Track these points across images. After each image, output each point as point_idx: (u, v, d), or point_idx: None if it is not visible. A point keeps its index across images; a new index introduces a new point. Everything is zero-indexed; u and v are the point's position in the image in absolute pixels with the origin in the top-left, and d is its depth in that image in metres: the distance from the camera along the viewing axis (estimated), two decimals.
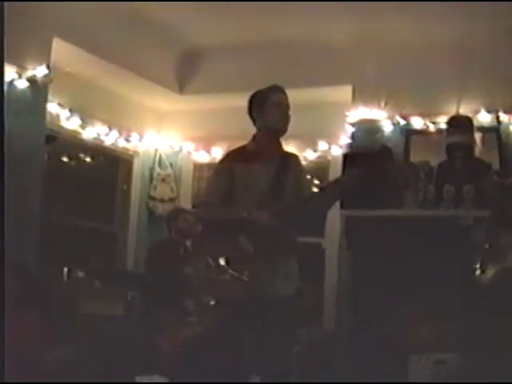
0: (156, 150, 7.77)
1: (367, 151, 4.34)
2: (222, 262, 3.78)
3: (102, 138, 7.09)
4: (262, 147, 4.00)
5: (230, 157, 4.12)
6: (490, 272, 5.35)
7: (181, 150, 7.88)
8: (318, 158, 7.14)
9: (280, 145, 4.08)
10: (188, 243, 6.70)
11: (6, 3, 3.43)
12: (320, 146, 7.13)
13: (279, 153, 4.07)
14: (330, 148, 7.12)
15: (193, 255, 4.03)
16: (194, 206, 7.54)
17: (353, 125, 6.78)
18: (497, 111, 6.27)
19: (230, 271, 3.75)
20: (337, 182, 3.91)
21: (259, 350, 3.75)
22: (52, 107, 6.33)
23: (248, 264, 3.75)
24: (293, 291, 3.89)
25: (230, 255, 3.78)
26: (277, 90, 4.05)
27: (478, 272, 5.44)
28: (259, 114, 4.01)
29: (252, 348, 3.75)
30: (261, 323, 3.73)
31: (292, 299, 3.87)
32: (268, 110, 3.98)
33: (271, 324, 3.73)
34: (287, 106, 4.04)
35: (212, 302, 5.72)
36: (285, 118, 4.02)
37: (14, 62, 5.58)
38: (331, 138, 7.04)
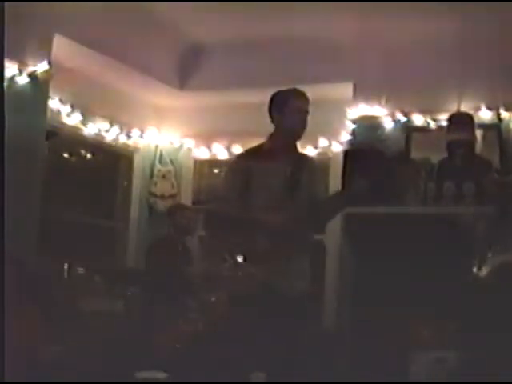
0: (157, 146, 7.77)
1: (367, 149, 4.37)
2: (239, 258, 3.81)
3: (103, 134, 7.09)
4: (279, 147, 4.02)
5: (246, 155, 4.15)
6: (491, 269, 5.35)
7: (181, 146, 7.88)
8: (319, 154, 7.13)
9: (296, 146, 4.12)
10: (187, 240, 6.72)
11: (5, 2, 3.42)
12: (320, 142, 7.13)
13: (295, 153, 4.10)
14: (330, 145, 7.12)
15: (210, 251, 4.06)
16: (193, 203, 7.56)
17: (353, 122, 6.79)
18: (497, 108, 6.28)
19: (247, 268, 3.77)
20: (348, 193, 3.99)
21: (270, 347, 3.76)
22: (53, 103, 6.33)
23: (263, 261, 3.77)
24: (305, 290, 3.93)
25: (246, 251, 3.80)
26: (300, 95, 4.08)
27: (478, 269, 5.44)
28: (279, 114, 4.03)
29: (262, 345, 3.75)
30: (275, 321, 3.74)
31: (304, 298, 3.91)
32: (289, 113, 4.00)
33: (285, 322, 3.74)
34: (307, 112, 4.07)
35: (213, 299, 5.76)
36: (304, 124, 4.06)
37: (15, 58, 5.58)
38: (332, 135, 7.05)
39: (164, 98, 7.55)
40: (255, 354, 3.74)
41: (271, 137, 4.09)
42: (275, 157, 3.99)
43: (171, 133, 7.83)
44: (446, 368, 5.11)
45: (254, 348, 3.75)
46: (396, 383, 5.18)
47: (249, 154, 4.15)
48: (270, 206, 3.84)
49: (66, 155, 7.10)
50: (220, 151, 7.66)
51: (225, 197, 4.02)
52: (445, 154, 6.18)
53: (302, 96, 4.08)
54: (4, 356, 1.55)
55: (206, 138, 7.70)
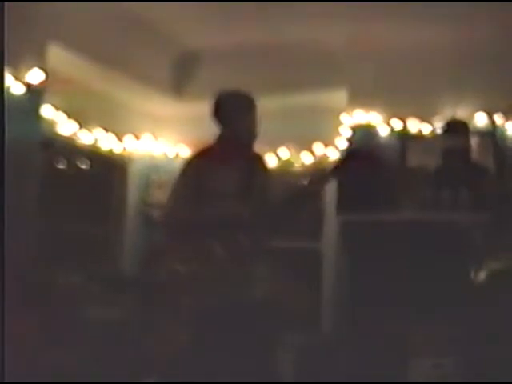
0: (152, 156, 7.76)
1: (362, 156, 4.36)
2: (193, 266, 3.72)
3: (98, 143, 7.08)
4: (229, 151, 3.93)
5: (195, 161, 4.01)
6: (488, 275, 5.35)
7: (177, 155, 7.86)
8: (315, 162, 7.14)
9: (247, 149, 4.03)
10: None
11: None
12: (316, 149, 7.13)
13: (246, 155, 4.01)
14: (326, 152, 7.12)
15: (165, 260, 3.92)
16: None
17: (349, 129, 6.79)
18: (493, 115, 6.28)
19: (202, 277, 3.70)
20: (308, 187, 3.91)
21: (234, 354, 3.70)
22: (48, 112, 6.31)
23: (220, 269, 3.70)
24: (265, 295, 3.85)
25: (201, 260, 3.72)
26: (248, 102, 3.99)
27: (475, 275, 5.44)
28: (228, 123, 3.97)
29: (227, 353, 3.69)
30: (234, 328, 3.68)
31: (265, 303, 3.84)
32: (240, 124, 3.95)
33: (245, 329, 3.69)
34: (256, 116, 3.98)
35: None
36: (256, 130, 3.98)
37: (9, 68, 5.57)
38: (327, 142, 7.05)
39: (159, 107, 7.55)
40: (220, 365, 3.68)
41: (219, 140, 4.01)
42: (225, 161, 3.88)
43: (166, 142, 7.82)
44: (443, 374, 5.10)
45: (216, 361, 3.68)
46: (396, 383, 5.18)
47: (198, 158, 4.01)
48: (228, 207, 3.78)
49: (61, 165, 7.08)
50: None
51: (176, 204, 3.91)
52: (440, 161, 6.19)
53: (248, 99, 4.00)
54: (4, 356, 1.54)
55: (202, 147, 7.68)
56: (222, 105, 4.01)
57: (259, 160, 4.08)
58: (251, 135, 3.97)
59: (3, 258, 2.26)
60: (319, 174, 3.90)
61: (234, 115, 3.96)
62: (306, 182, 3.97)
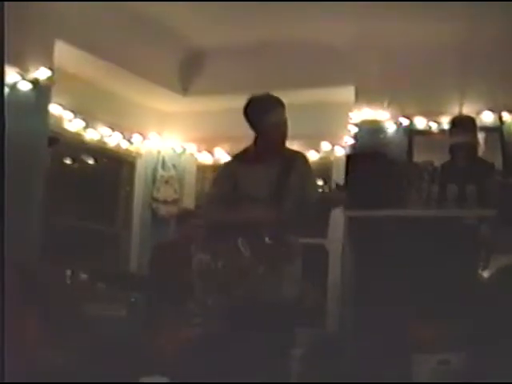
0: (159, 152, 7.77)
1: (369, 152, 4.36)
2: (221, 264, 3.78)
3: (105, 139, 7.10)
4: (263, 151, 4.00)
5: (232, 161, 4.15)
6: (494, 271, 5.34)
7: (184, 151, 7.88)
8: (321, 158, 7.14)
9: (281, 149, 4.06)
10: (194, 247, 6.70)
11: (7, 5, 3.42)
12: (323, 146, 7.14)
13: (282, 154, 4.04)
14: (332, 149, 7.12)
15: (194, 256, 4.00)
16: (197, 208, 7.53)
17: (356, 125, 6.79)
18: (500, 111, 6.28)
19: (230, 273, 3.75)
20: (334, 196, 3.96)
21: (258, 353, 3.73)
22: (55, 109, 6.33)
23: (246, 267, 3.74)
24: (294, 295, 3.89)
25: (229, 258, 3.77)
26: (276, 105, 4.00)
27: (481, 271, 5.43)
28: (258, 127, 3.99)
29: (251, 351, 3.72)
30: (259, 327, 3.71)
31: (292, 303, 3.87)
32: (268, 128, 3.95)
33: (270, 327, 3.71)
34: (286, 120, 4.01)
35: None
36: (285, 132, 4.01)
37: (16, 64, 5.59)
38: (334, 139, 7.05)
39: (166, 103, 7.56)
40: (245, 359, 3.71)
41: (256, 141, 4.05)
42: (260, 160, 3.97)
43: (173, 138, 7.83)
44: (449, 370, 5.10)
45: (241, 355, 3.72)
46: (396, 383, 5.17)
47: (235, 158, 4.13)
48: (259, 208, 3.82)
49: (68, 161, 7.10)
50: (222, 156, 7.65)
51: (210, 203, 4.00)
52: (447, 157, 6.18)
53: (279, 104, 4.01)
54: (4, 356, 1.55)
55: (209, 143, 7.70)
56: (249, 108, 4.04)
57: (297, 159, 4.11)
58: (280, 135, 4.00)
59: (3, 256, 2.27)
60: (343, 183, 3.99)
61: (261, 117, 3.99)
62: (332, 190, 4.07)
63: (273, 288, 3.79)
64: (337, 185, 4.09)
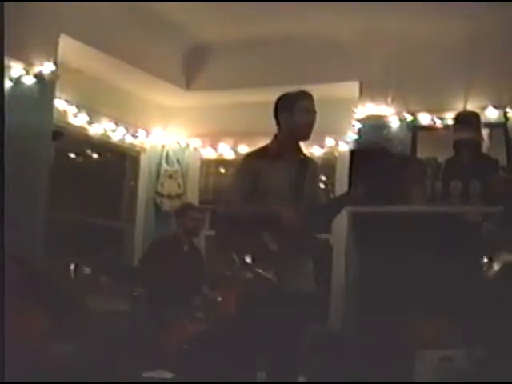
0: (163, 146, 7.77)
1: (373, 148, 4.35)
2: (247, 259, 3.80)
3: (109, 134, 7.10)
4: (285, 149, 4.02)
5: (253, 156, 4.11)
6: (498, 268, 5.34)
7: (188, 146, 7.88)
8: (325, 154, 7.14)
9: (300, 148, 4.12)
10: (195, 240, 6.71)
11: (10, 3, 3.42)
12: (327, 142, 7.13)
13: (300, 156, 4.10)
14: (336, 144, 7.12)
15: (218, 251, 4.04)
16: (200, 203, 7.55)
17: (360, 121, 6.78)
18: (504, 107, 6.26)
19: (255, 269, 3.77)
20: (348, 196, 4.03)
21: (273, 347, 3.76)
22: (59, 103, 6.33)
23: (272, 262, 3.77)
24: (310, 291, 3.93)
25: (254, 252, 3.80)
26: (307, 96, 4.05)
27: (485, 268, 5.43)
28: (286, 117, 4.00)
29: (267, 345, 3.76)
30: (282, 321, 3.74)
31: (308, 299, 3.91)
32: (296, 115, 3.98)
33: (292, 322, 3.75)
34: (315, 113, 4.06)
35: (219, 298, 5.75)
36: (312, 126, 4.04)
37: (21, 59, 5.59)
38: (338, 135, 7.04)
39: (170, 97, 7.56)
40: (260, 354, 3.74)
41: (277, 138, 4.07)
42: (281, 158, 4.00)
43: (177, 133, 7.84)
44: (452, 367, 5.10)
45: (258, 348, 3.76)
46: (397, 383, 5.18)
47: (256, 154, 4.12)
48: (279, 204, 3.86)
49: (72, 155, 7.11)
50: (226, 151, 7.66)
51: (233, 197, 4.01)
52: (451, 153, 6.18)
53: (310, 97, 4.06)
54: (4, 356, 1.55)
55: (213, 138, 7.70)
56: (277, 105, 4.07)
57: (312, 164, 4.18)
58: (301, 132, 4.03)
59: (4, 251, 2.27)
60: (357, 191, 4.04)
61: (284, 113, 4.02)
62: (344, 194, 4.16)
63: (293, 284, 3.82)
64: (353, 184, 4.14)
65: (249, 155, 4.20)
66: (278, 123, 4.08)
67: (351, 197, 4.07)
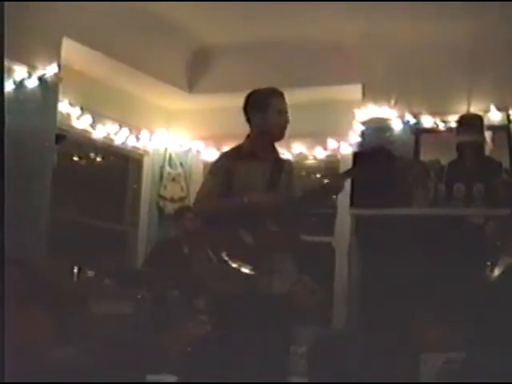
0: (166, 149, 7.78)
1: (376, 150, 4.33)
2: (223, 255, 3.76)
3: (112, 137, 7.11)
4: (259, 148, 3.96)
5: (226, 157, 4.05)
6: (501, 271, 5.34)
7: (190, 149, 7.88)
8: (328, 156, 7.14)
9: (275, 148, 4.06)
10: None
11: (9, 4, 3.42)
12: (330, 144, 7.13)
13: (274, 155, 4.05)
14: (339, 146, 7.11)
15: (194, 249, 3.99)
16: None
17: (363, 123, 6.77)
18: (507, 110, 6.26)
19: (232, 265, 3.74)
20: (328, 186, 3.94)
21: (256, 347, 3.73)
22: (62, 106, 6.34)
23: (248, 258, 3.74)
24: (287, 290, 3.89)
25: (230, 249, 3.76)
26: (278, 95, 3.98)
27: (488, 270, 5.43)
28: (258, 117, 3.94)
29: (250, 345, 3.72)
30: (260, 320, 3.71)
31: (288, 297, 3.88)
32: (269, 115, 3.91)
33: (269, 321, 3.72)
34: (287, 113, 3.99)
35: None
36: (285, 126, 3.98)
37: (24, 61, 5.60)
38: (341, 137, 7.03)
39: (173, 100, 7.56)
40: (243, 353, 3.70)
41: (250, 138, 4.01)
42: (255, 158, 3.94)
43: (180, 135, 7.84)
44: (455, 369, 5.09)
45: (240, 348, 3.71)
46: (398, 383, 5.17)
47: (229, 154, 4.06)
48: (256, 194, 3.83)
49: (75, 158, 7.12)
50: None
51: (206, 198, 3.94)
52: (454, 156, 6.17)
53: (281, 95, 3.98)
54: (4, 356, 1.56)
55: (216, 141, 7.69)
56: (247, 102, 4.04)
57: (286, 162, 4.14)
58: (275, 133, 3.99)
59: (4, 254, 2.28)
60: (337, 174, 3.97)
61: (256, 112, 3.97)
62: (325, 181, 4.02)
63: (271, 281, 3.79)
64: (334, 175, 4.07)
65: (222, 155, 4.12)
66: (248, 121, 4.02)
67: (328, 187, 3.95)
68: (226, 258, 3.74)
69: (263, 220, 3.81)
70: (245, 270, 3.72)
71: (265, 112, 3.92)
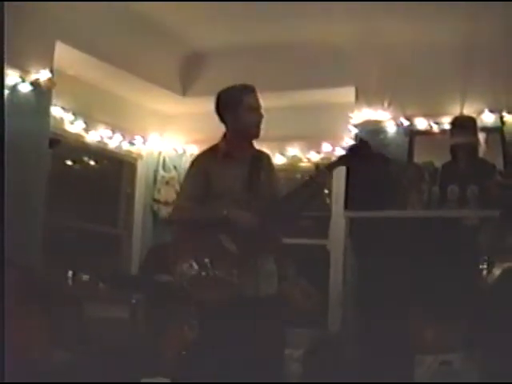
0: (160, 153, 7.77)
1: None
2: (205, 262, 3.72)
3: (106, 141, 7.10)
4: (235, 148, 3.91)
5: (202, 159, 4.01)
6: (496, 272, 5.34)
7: (184, 152, 7.87)
8: (322, 159, 7.13)
9: (252, 144, 4.00)
10: None
11: (7, 5, 3.42)
12: (324, 147, 7.12)
13: (251, 152, 3.99)
14: (333, 150, 7.10)
15: (175, 257, 3.91)
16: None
17: (356, 126, 6.77)
18: (500, 111, 6.26)
19: (214, 272, 3.71)
20: (312, 181, 3.86)
21: (244, 351, 3.70)
22: (55, 111, 6.33)
23: (231, 264, 3.70)
24: (274, 291, 3.87)
25: (212, 255, 3.72)
26: (250, 91, 3.92)
27: (483, 272, 5.43)
28: (232, 116, 3.89)
29: (237, 349, 3.69)
30: (245, 324, 3.69)
31: (274, 300, 3.85)
32: (243, 114, 3.86)
33: (255, 325, 3.69)
34: (260, 108, 3.93)
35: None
36: (259, 123, 3.92)
37: (17, 66, 5.58)
38: (335, 140, 7.02)
39: (166, 104, 7.55)
40: (236, 358, 3.68)
41: (226, 137, 3.96)
42: (232, 157, 3.89)
43: (174, 139, 7.83)
44: (451, 371, 5.10)
45: (227, 353, 3.68)
46: (397, 383, 5.17)
47: (204, 155, 4.01)
48: (235, 206, 3.78)
49: (69, 163, 7.10)
50: None
51: (186, 202, 3.89)
52: (448, 158, 6.18)
53: (253, 91, 3.92)
54: (4, 356, 1.55)
55: (209, 144, 7.67)
56: (219, 101, 3.99)
57: (265, 158, 4.07)
58: (250, 131, 3.94)
59: (3, 256, 2.28)
60: (319, 169, 3.87)
61: (229, 112, 3.92)
62: (308, 177, 3.91)
63: (255, 285, 3.76)
64: (318, 166, 4.01)
65: (198, 156, 4.07)
66: (222, 121, 3.98)
67: (311, 183, 3.84)
68: (208, 265, 3.70)
69: (243, 227, 3.75)
70: (229, 276, 3.69)
71: (237, 111, 3.88)
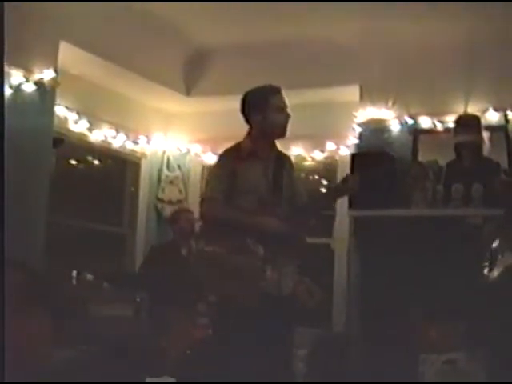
0: (164, 152, 7.77)
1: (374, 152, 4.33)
2: (233, 262, 3.76)
3: (110, 140, 7.10)
4: (260, 148, 3.96)
5: (228, 156, 4.03)
6: (499, 271, 5.33)
7: (188, 151, 7.88)
8: (326, 158, 7.13)
9: (275, 144, 4.04)
10: (193, 243, 6.70)
11: (8, 5, 3.41)
12: (328, 146, 7.12)
13: (275, 152, 4.03)
14: (337, 148, 7.10)
15: (199, 255, 3.95)
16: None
17: (360, 125, 6.77)
18: (505, 110, 6.25)
19: (241, 272, 3.74)
20: (340, 189, 3.94)
21: (265, 349, 3.73)
22: (59, 110, 6.33)
23: (258, 266, 3.74)
24: (292, 291, 3.90)
25: (239, 256, 3.75)
26: (277, 92, 3.96)
27: (487, 271, 5.42)
28: (259, 116, 3.92)
29: (258, 348, 3.72)
30: (269, 324, 3.71)
31: (291, 299, 3.88)
32: (270, 114, 3.90)
33: (280, 324, 3.72)
34: (287, 108, 3.98)
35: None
36: (286, 123, 3.96)
37: (21, 66, 5.59)
38: (339, 139, 7.02)
39: (171, 103, 7.56)
40: (248, 356, 3.71)
41: (250, 136, 3.99)
42: (257, 156, 3.93)
43: (178, 138, 7.83)
44: (455, 370, 5.09)
45: (250, 352, 3.71)
46: (397, 383, 5.16)
47: (230, 153, 4.03)
48: (258, 207, 3.80)
49: (73, 162, 7.11)
50: None
51: (213, 196, 3.92)
52: (452, 156, 6.17)
53: (279, 92, 3.97)
54: (4, 356, 1.55)
55: (213, 143, 7.68)
56: (245, 102, 4.01)
57: (287, 159, 4.15)
58: (277, 131, 3.97)
59: (4, 256, 2.28)
60: (350, 175, 3.98)
61: (255, 113, 3.94)
62: (328, 190, 4.07)
63: (280, 285, 3.80)
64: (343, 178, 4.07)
65: (223, 155, 4.09)
66: (247, 122, 4.00)
67: (345, 189, 3.98)
68: (234, 265, 3.74)
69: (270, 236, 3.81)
70: (254, 274, 3.72)
71: (265, 111, 3.90)
